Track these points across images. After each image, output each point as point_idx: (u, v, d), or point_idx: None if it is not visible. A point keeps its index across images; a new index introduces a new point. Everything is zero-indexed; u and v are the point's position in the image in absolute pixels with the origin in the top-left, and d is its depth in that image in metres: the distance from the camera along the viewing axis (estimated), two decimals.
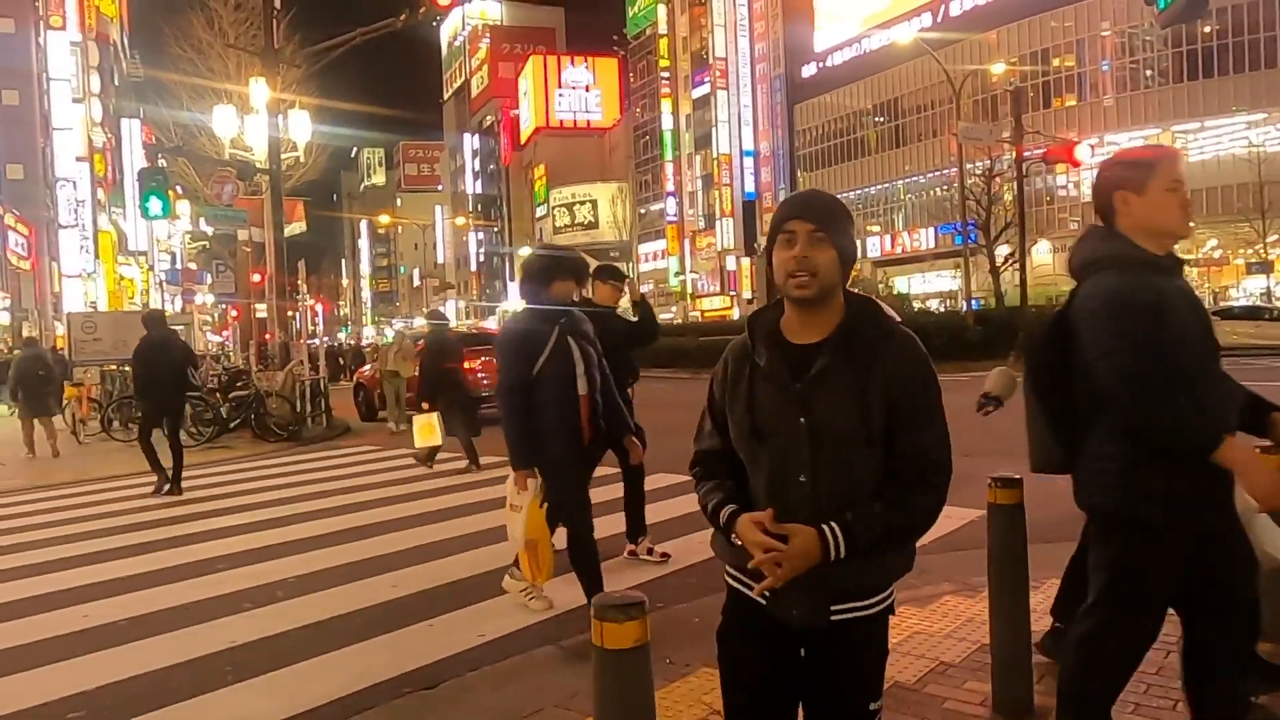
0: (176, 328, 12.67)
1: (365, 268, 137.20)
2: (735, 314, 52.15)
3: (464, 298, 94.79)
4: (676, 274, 64.77)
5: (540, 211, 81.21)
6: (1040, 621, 3.46)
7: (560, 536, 4.31)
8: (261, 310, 21.47)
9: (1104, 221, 2.37)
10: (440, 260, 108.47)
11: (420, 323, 34.05)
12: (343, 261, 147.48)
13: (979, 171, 32.41)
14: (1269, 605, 2.59)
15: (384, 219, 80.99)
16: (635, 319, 5.69)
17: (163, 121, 31.77)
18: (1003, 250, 32.53)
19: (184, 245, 50.58)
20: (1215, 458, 2.11)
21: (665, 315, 53.53)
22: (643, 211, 71.04)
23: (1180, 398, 2.11)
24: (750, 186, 59.66)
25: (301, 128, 17.49)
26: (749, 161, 59.93)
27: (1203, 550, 2.20)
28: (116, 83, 51.48)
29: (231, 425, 14.13)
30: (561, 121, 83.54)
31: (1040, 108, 42.12)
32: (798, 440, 1.79)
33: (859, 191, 51.86)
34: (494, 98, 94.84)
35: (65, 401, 16.11)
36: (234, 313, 35.81)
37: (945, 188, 43.89)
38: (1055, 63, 43.24)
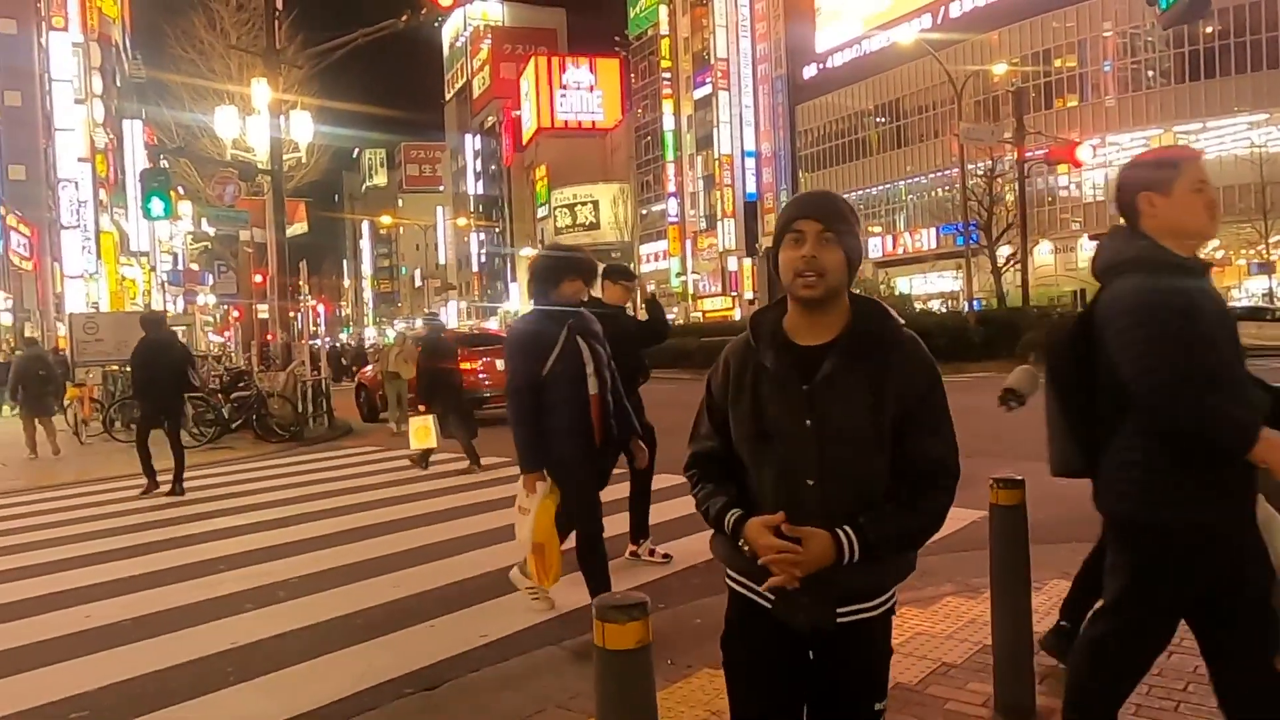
0: (179, 328, 12.69)
1: (367, 268, 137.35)
2: (737, 315, 52.14)
3: (465, 298, 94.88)
4: (678, 275, 64.77)
5: (542, 212, 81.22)
6: (1042, 623, 3.45)
7: (570, 537, 4.29)
8: (263, 311, 21.47)
9: (1128, 223, 2.34)
10: (442, 261, 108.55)
11: (421, 324, 34.09)
12: (344, 262, 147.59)
13: (981, 172, 32.42)
14: None
15: (385, 220, 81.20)
16: (645, 318, 5.70)
17: (165, 122, 31.83)
18: (1004, 251, 32.55)
19: (186, 246, 50.59)
20: (1254, 455, 2.08)
21: (667, 316, 53.33)
22: (644, 212, 71.03)
23: (1213, 398, 2.08)
24: (752, 187, 59.65)
25: (303, 128, 17.53)
26: (750, 162, 59.92)
27: (1222, 558, 2.18)
28: (118, 84, 51.49)
29: (233, 426, 14.15)
30: (565, 122, 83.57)
31: (1042, 108, 42.12)
32: (805, 443, 1.78)
33: (860, 192, 51.82)
34: (495, 98, 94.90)
35: (67, 402, 16.15)
36: (236, 313, 35.88)
37: (947, 188, 43.86)
38: (1057, 63, 43.21)
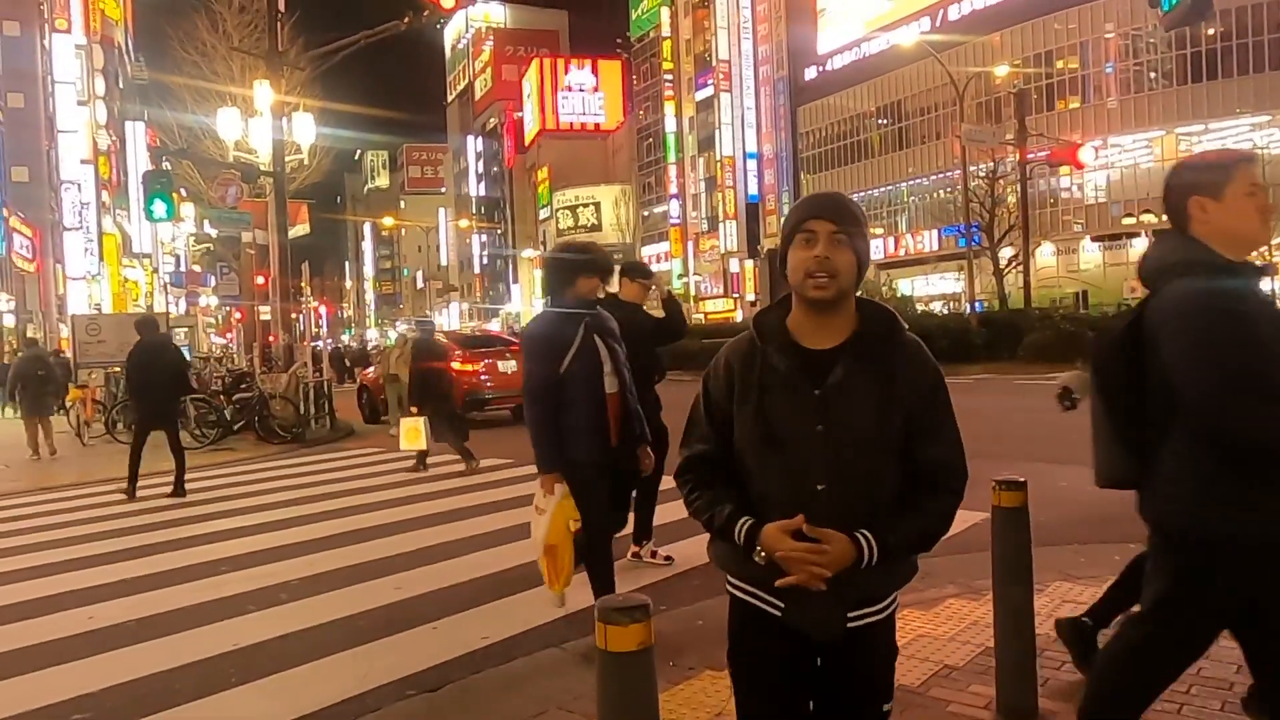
0: (181, 330, 12.71)
1: (369, 270, 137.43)
2: (738, 316, 52.14)
3: (467, 300, 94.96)
4: (680, 276, 64.76)
5: (544, 214, 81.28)
6: (1044, 624, 3.45)
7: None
8: (265, 312, 21.52)
9: (1176, 227, 2.27)
10: (444, 263, 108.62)
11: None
12: (346, 264, 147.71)
13: (982, 174, 32.40)
14: None
15: (387, 221, 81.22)
16: (662, 315, 5.69)
17: (167, 124, 31.84)
18: (1006, 252, 32.53)
19: (188, 248, 50.61)
20: None
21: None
22: (646, 214, 71.07)
23: (1265, 404, 2.01)
24: (753, 189, 59.67)
25: (305, 130, 17.56)
26: (752, 164, 59.93)
27: (1272, 570, 2.10)
28: (121, 85, 51.56)
29: (235, 427, 14.17)
30: (567, 124, 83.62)
31: (1044, 110, 42.10)
32: (815, 447, 1.76)
33: (862, 194, 51.73)
34: (497, 100, 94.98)
35: (70, 403, 16.18)
36: (238, 315, 35.92)
37: (949, 190, 43.79)
38: (1059, 65, 43.17)
